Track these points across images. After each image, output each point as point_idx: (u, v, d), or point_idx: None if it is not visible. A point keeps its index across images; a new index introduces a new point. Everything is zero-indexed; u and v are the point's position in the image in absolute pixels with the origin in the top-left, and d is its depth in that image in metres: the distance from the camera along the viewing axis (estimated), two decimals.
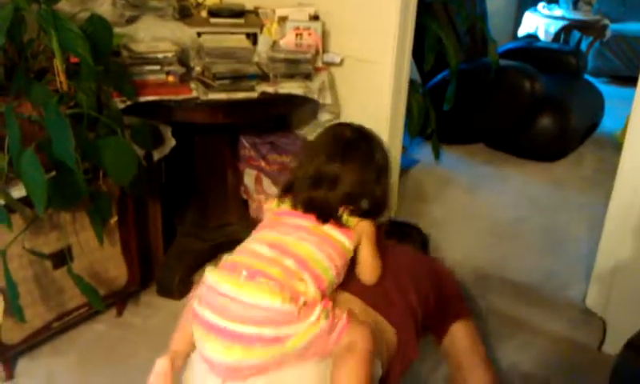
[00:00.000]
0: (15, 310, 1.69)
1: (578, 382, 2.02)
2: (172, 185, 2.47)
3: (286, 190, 1.49)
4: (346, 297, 1.45)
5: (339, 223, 1.42)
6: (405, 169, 3.09)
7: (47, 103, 1.55)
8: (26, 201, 1.70)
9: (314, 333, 1.25)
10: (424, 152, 3.41)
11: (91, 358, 2.05)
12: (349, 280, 1.47)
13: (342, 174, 1.43)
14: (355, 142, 1.50)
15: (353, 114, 2.44)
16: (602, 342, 2.13)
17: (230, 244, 1.46)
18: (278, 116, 2.48)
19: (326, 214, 1.42)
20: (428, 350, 1.80)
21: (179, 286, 2.27)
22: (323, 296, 1.32)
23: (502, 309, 2.34)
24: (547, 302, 2.39)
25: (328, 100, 2.31)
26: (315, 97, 2.25)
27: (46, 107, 1.56)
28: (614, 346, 1.99)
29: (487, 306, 2.31)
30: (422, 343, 1.59)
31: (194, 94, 2.07)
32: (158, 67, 2.05)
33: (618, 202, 2.06)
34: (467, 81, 3.30)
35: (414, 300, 1.55)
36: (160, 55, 2.06)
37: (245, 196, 2.61)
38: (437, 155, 3.24)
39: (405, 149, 2.90)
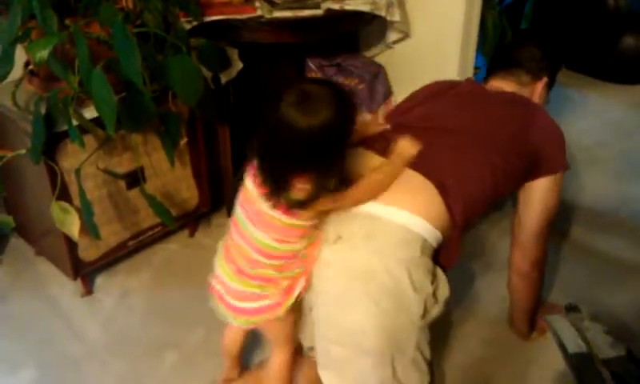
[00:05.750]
0: (90, 228, 1.76)
1: None
2: (242, 110, 2.47)
3: None
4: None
5: (287, 206, 1.27)
6: None
7: (114, 21, 1.56)
8: (97, 122, 1.73)
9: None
10: None
11: (165, 276, 2.12)
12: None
13: (274, 138, 1.26)
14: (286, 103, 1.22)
15: (422, 32, 2.35)
16: None
17: None
18: (344, 34, 2.41)
19: (273, 192, 1.27)
20: None
21: None
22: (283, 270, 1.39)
23: (576, 235, 2.27)
24: (624, 227, 2.30)
25: (396, 17, 2.23)
26: (382, 13, 2.17)
27: (112, 25, 1.56)
28: None
29: (561, 232, 2.24)
30: None
31: (259, 12, 2.03)
32: None
33: None
34: None
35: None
36: None
37: None
38: None
39: (477, 70, 2.78)
